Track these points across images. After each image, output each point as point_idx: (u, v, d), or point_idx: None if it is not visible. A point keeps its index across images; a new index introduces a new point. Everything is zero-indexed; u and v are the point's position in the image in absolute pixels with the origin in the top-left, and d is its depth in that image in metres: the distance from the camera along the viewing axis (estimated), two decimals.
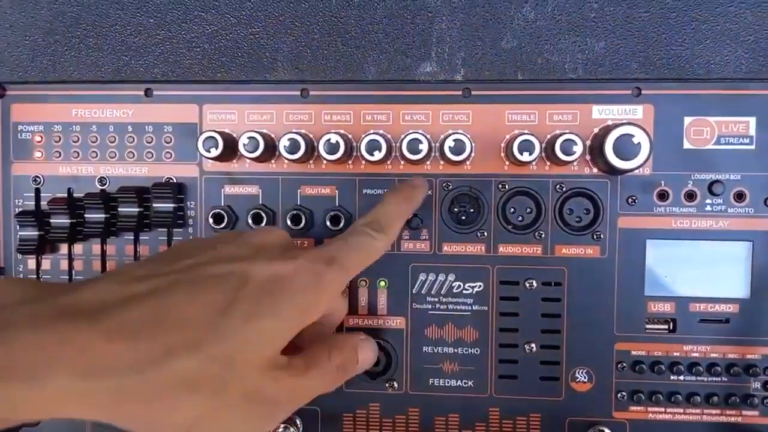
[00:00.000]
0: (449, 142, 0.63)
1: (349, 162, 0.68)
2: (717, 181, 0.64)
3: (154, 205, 0.69)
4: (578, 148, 0.62)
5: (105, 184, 0.71)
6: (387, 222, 0.58)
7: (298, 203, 0.69)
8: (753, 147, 0.64)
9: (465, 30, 0.66)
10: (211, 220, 0.68)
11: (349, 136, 0.68)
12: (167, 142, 0.70)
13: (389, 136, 0.67)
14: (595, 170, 0.66)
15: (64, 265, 0.72)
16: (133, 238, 0.71)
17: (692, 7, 0.64)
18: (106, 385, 0.40)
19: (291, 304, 0.47)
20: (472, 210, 0.68)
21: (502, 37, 0.66)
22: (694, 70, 0.65)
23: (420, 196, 0.63)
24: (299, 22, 0.68)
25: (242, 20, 0.68)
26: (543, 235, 0.67)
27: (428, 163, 0.68)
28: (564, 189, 0.66)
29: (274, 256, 0.50)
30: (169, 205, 0.69)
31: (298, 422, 0.69)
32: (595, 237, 0.66)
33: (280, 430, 0.67)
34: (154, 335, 0.42)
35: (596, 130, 0.65)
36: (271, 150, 0.67)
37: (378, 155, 0.64)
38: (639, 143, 0.61)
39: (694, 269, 0.65)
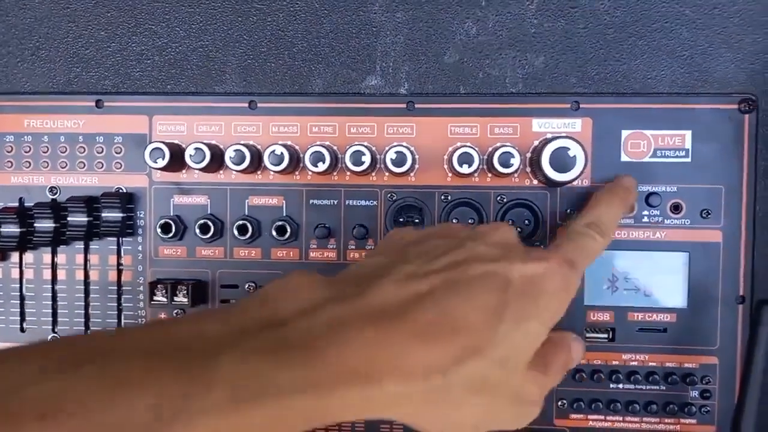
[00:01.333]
0: (391, 154, 0.65)
1: (296, 173, 0.69)
2: (654, 193, 0.66)
3: (103, 214, 0.70)
4: (516, 161, 0.63)
5: (56, 194, 0.72)
6: (608, 225, 0.57)
7: (246, 213, 0.70)
8: (689, 159, 0.66)
9: (409, 45, 0.68)
10: (159, 230, 0.69)
11: (296, 147, 0.69)
12: (117, 153, 0.71)
13: (335, 147, 0.68)
14: (535, 182, 0.67)
15: (14, 273, 0.72)
16: (83, 246, 0.72)
17: (629, 24, 0.66)
18: (421, 387, 0.41)
19: (548, 306, 0.48)
20: (416, 220, 0.69)
21: (444, 52, 0.68)
22: (631, 84, 0.66)
23: (633, 198, 0.63)
24: (247, 36, 0.69)
25: (191, 33, 0.70)
26: None
27: (373, 174, 0.69)
28: (505, 200, 0.67)
29: (523, 256, 0.49)
30: (118, 215, 0.70)
31: None
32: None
33: None
34: (448, 338, 0.42)
35: (536, 143, 0.66)
36: (218, 161, 0.68)
37: (322, 166, 0.65)
38: (575, 156, 0.62)
39: (632, 279, 0.67)
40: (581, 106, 0.66)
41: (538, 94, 0.67)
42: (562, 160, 0.62)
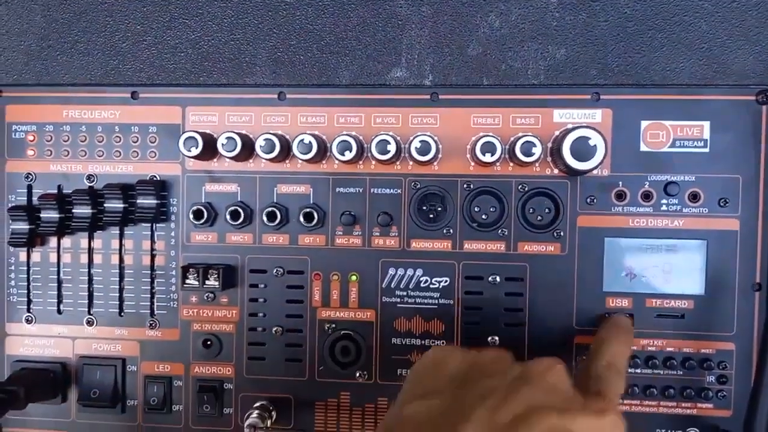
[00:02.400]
0: (416, 143, 0.67)
1: (323, 162, 0.72)
2: (672, 182, 0.67)
3: (138, 201, 0.73)
4: (537, 150, 0.65)
5: (93, 181, 0.75)
6: (622, 366, 0.57)
7: (275, 201, 0.72)
8: (707, 150, 0.67)
9: (433, 38, 0.70)
10: (191, 216, 0.72)
11: (323, 137, 0.71)
12: (152, 142, 0.74)
13: (361, 137, 0.71)
14: (556, 171, 0.69)
15: (53, 257, 0.75)
16: (118, 232, 0.75)
17: (649, 17, 0.68)
18: None
19: None
20: (439, 208, 0.71)
21: (468, 45, 0.70)
22: (650, 76, 0.68)
23: (632, 338, 0.64)
24: (277, 30, 0.72)
25: (223, 27, 0.72)
26: (506, 233, 0.70)
27: (398, 163, 0.71)
28: (526, 189, 0.69)
29: (582, 406, 0.49)
30: (153, 201, 0.73)
31: (272, 410, 0.72)
32: (555, 235, 0.69)
33: (255, 414, 0.70)
34: None
35: (557, 133, 0.68)
36: (248, 150, 0.71)
37: (349, 155, 0.68)
38: (595, 145, 0.64)
39: (651, 266, 0.68)
40: (601, 97, 0.68)
41: (559, 85, 0.69)
42: (582, 150, 0.64)
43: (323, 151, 0.70)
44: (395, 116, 0.71)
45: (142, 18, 0.73)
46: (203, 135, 0.69)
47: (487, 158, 0.66)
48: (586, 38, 0.68)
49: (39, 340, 0.76)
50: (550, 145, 0.68)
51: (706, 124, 0.67)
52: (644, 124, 0.68)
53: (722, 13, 0.67)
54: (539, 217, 0.69)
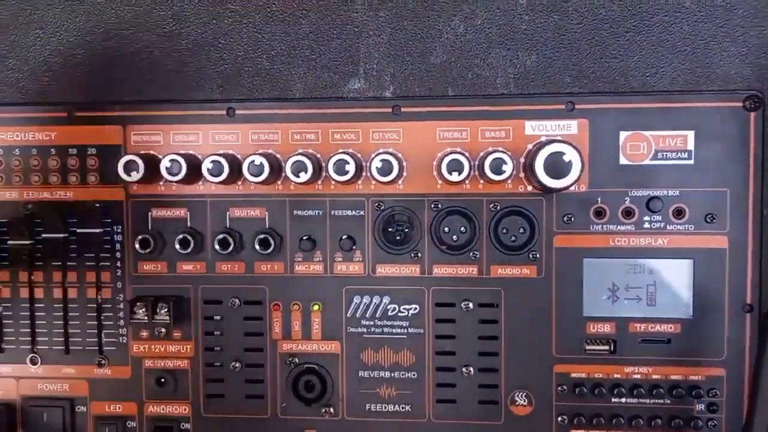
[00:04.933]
0: (377, 162, 0.61)
1: (279, 183, 0.66)
2: (655, 197, 0.62)
3: (79, 230, 0.67)
4: (508, 167, 0.60)
5: (29, 209, 0.69)
6: None
7: (227, 226, 0.67)
8: (691, 162, 0.62)
9: (393, 45, 0.64)
10: (137, 246, 0.66)
11: (278, 156, 0.66)
12: (92, 165, 0.68)
13: (318, 155, 0.65)
14: (530, 188, 0.64)
15: None
16: (60, 263, 0.69)
17: (626, 18, 0.62)
18: None
19: None
20: (406, 230, 0.65)
21: (431, 52, 0.64)
22: (629, 82, 0.63)
23: None
24: (223, 39, 0.66)
25: (165, 38, 0.66)
26: (478, 256, 0.65)
27: (359, 183, 0.65)
28: (498, 207, 0.64)
29: None
30: (95, 230, 0.67)
31: None
32: (531, 257, 0.64)
33: None
34: None
35: (530, 147, 0.63)
36: (196, 172, 0.65)
37: (304, 176, 0.62)
38: (570, 161, 0.59)
39: (634, 288, 0.63)
40: (576, 106, 0.63)
41: (530, 94, 0.63)
42: (557, 166, 0.59)
43: (278, 172, 0.65)
44: (354, 132, 0.65)
45: (74, 30, 0.67)
46: (145, 157, 0.63)
47: (455, 177, 0.60)
48: (558, 42, 0.63)
49: None
50: (522, 160, 0.63)
51: (690, 134, 0.62)
52: (623, 135, 0.63)
53: (705, 12, 0.61)
54: (513, 238, 0.64)
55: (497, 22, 0.63)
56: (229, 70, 0.66)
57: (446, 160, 0.60)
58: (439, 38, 0.64)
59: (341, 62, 0.65)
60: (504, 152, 0.60)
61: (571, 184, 0.59)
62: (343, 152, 0.62)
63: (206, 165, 0.63)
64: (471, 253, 0.65)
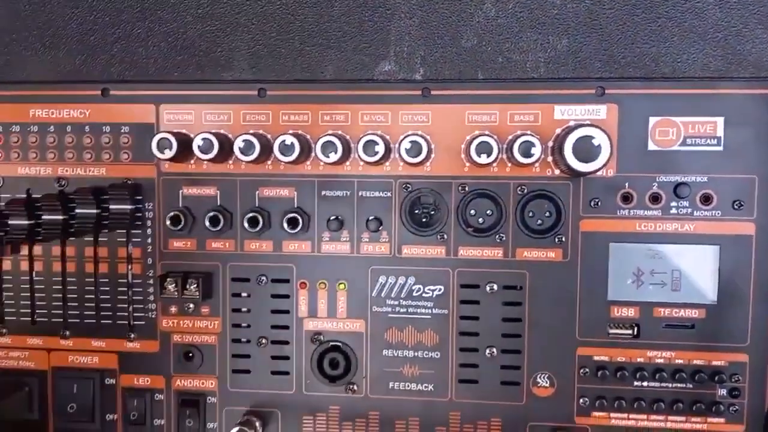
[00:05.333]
0: (406, 144, 0.62)
1: (308, 163, 0.67)
2: (683, 183, 0.63)
3: (112, 206, 0.68)
4: (537, 150, 0.60)
5: (63, 185, 0.70)
6: None
7: (257, 204, 0.68)
8: (720, 148, 0.62)
9: (424, 28, 0.65)
10: (168, 222, 0.67)
11: (307, 136, 0.66)
12: (125, 143, 0.69)
13: (348, 136, 0.66)
14: (557, 172, 0.64)
15: (24, 266, 0.71)
16: (92, 239, 0.70)
17: (658, 4, 0.62)
18: None
19: None
20: (432, 212, 0.66)
21: (461, 35, 0.64)
22: (659, 68, 0.63)
23: None
24: (256, 20, 0.66)
25: (198, 18, 0.67)
26: (504, 238, 0.65)
27: (387, 164, 0.66)
28: (525, 191, 0.64)
29: None
30: (127, 207, 0.68)
31: (257, 424, 0.68)
32: (557, 240, 0.64)
33: (236, 430, 0.66)
34: None
35: (558, 131, 0.63)
36: (227, 151, 0.66)
37: (334, 157, 0.63)
38: (599, 145, 0.59)
39: (659, 274, 0.64)
40: (606, 91, 0.63)
41: (560, 79, 0.63)
42: (586, 150, 0.59)
43: (307, 152, 0.66)
44: (384, 113, 0.66)
45: (111, 9, 0.68)
46: (178, 135, 0.64)
47: (483, 159, 0.61)
48: (590, 27, 0.63)
49: (13, 352, 0.72)
50: (551, 144, 0.63)
51: (720, 120, 0.62)
52: (653, 120, 0.63)
53: None
54: (539, 221, 0.64)
55: (529, 5, 0.63)
56: (261, 51, 0.67)
57: (475, 142, 0.61)
58: (470, 21, 0.64)
59: (372, 44, 0.65)
60: (533, 135, 0.60)
61: (600, 168, 0.59)
62: (373, 133, 0.62)
63: (238, 144, 0.63)
64: (497, 236, 0.65)
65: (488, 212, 0.65)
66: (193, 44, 0.68)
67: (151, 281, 0.70)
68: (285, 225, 0.66)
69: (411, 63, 0.65)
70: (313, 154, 0.66)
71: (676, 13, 0.62)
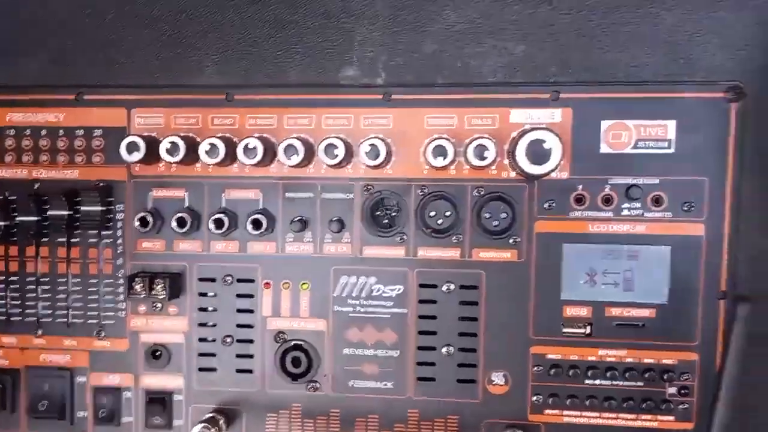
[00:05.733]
0: (365, 147, 0.64)
1: (272, 165, 0.69)
2: (634, 185, 0.64)
3: (83, 208, 0.70)
4: (491, 153, 0.62)
5: (37, 187, 0.72)
6: None
7: (223, 206, 0.70)
8: (671, 151, 0.64)
9: (386, 34, 0.66)
10: (137, 223, 0.69)
11: (273, 139, 0.68)
12: (97, 146, 0.71)
13: (311, 139, 0.68)
14: (513, 174, 0.66)
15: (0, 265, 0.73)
16: (65, 239, 0.72)
17: (613, 9, 0.64)
18: None
19: None
20: (394, 214, 0.68)
21: (422, 42, 0.66)
22: (613, 73, 0.64)
23: None
24: (224, 28, 0.69)
25: (169, 25, 0.69)
26: (461, 239, 0.67)
27: (349, 167, 0.68)
28: (482, 193, 0.66)
29: None
30: (97, 209, 0.70)
31: (221, 422, 0.69)
32: (512, 241, 0.66)
33: (198, 428, 0.67)
34: None
35: (514, 134, 0.65)
36: (195, 153, 0.68)
37: (296, 159, 0.65)
38: (550, 148, 0.61)
39: (611, 274, 0.65)
40: (561, 95, 0.65)
41: (517, 83, 0.65)
42: (537, 153, 0.61)
43: (271, 155, 0.67)
44: (347, 117, 0.68)
45: (84, 15, 0.70)
46: (146, 139, 0.66)
47: (439, 162, 0.63)
48: (546, 34, 0.65)
49: None
50: (507, 147, 0.65)
51: (672, 124, 0.64)
52: (606, 123, 0.64)
53: (691, 3, 0.63)
54: (495, 223, 0.66)
55: (487, 12, 0.65)
56: (228, 57, 0.69)
57: (431, 145, 0.63)
58: (431, 28, 0.66)
59: (336, 50, 0.67)
60: (487, 138, 0.62)
61: (551, 171, 0.61)
62: (333, 137, 0.64)
63: (203, 147, 0.65)
64: (454, 237, 0.67)
65: (447, 213, 0.67)
66: (164, 50, 0.70)
67: (121, 281, 0.71)
68: (249, 226, 0.68)
69: (373, 68, 0.67)
70: (277, 157, 0.67)
71: (630, 18, 0.64)
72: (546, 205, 0.65)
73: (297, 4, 0.67)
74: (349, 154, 0.66)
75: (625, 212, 0.64)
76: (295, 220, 0.69)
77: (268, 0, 0.68)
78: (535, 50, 0.65)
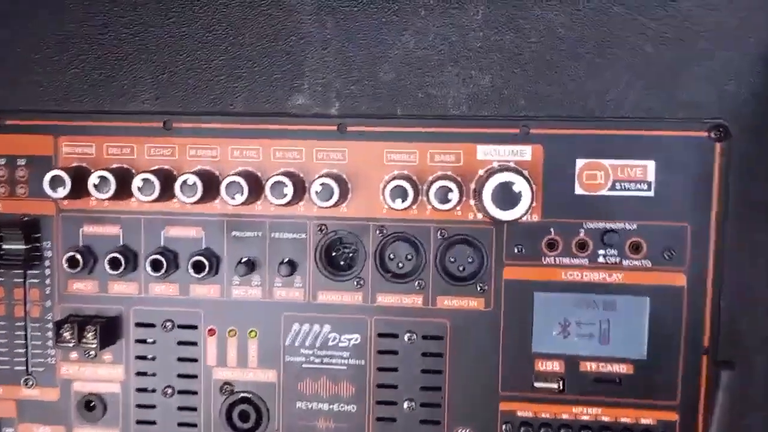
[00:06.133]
0: (316, 187, 0.58)
1: (217, 201, 0.62)
2: (611, 230, 0.59)
3: (5, 245, 0.63)
4: (455, 196, 0.56)
5: None
6: None
7: (162, 245, 0.63)
8: (651, 194, 0.59)
9: (340, 59, 0.60)
10: (65, 264, 0.62)
11: (215, 173, 0.62)
12: (21, 177, 0.64)
13: (259, 174, 0.61)
14: (480, 215, 0.60)
15: None
16: None
17: (587, 38, 0.58)
18: None
19: None
20: (350, 255, 0.62)
21: (379, 68, 0.60)
22: (587, 107, 0.59)
23: None
24: (161, 48, 0.62)
25: (99, 45, 0.62)
26: (424, 285, 0.61)
27: (301, 205, 0.62)
28: (446, 235, 0.60)
29: None
30: (21, 246, 0.63)
31: None
32: (479, 288, 0.61)
33: None
34: None
35: (481, 173, 0.59)
36: (128, 188, 0.61)
37: (240, 198, 0.58)
38: (520, 192, 0.55)
39: (586, 325, 0.60)
40: (531, 131, 0.59)
41: (483, 117, 0.59)
42: (506, 196, 0.55)
43: (214, 192, 0.61)
44: (298, 150, 0.62)
45: (4, 35, 0.63)
46: (74, 171, 0.60)
47: (398, 205, 0.57)
48: (514, 62, 0.59)
49: None
50: (473, 186, 0.59)
51: (651, 164, 0.58)
52: (580, 163, 0.59)
53: (672, 34, 0.57)
54: (461, 268, 0.61)
55: (450, 38, 0.59)
56: (166, 81, 0.62)
57: (389, 186, 0.57)
58: (388, 53, 0.60)
59: (285, 76, 0.61)
60: (451, 180, 0.56)
61: (520, 217, 0.56)
62: (282, 174, 0.58)
63: (136, 183, 0.59)
64: (416, 282, 0.61)
65: (408, 257, 0.61)
66: (94, 72, 0.63)
67: (50, 325, 0.65)
68: (190, 269, 0.62)
69: (326, 96, 0.61)
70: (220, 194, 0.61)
71: (606, 48, 0.58)
72: (516, 250, 0.60)
73: (241, 25, 0.60)
74: (301, 191, 0.60)
75: (601, 259, 0.59)
76: (242, 261, 0.63)
77: (210, 19, 0.61)
78: (503, 81, 0.59)
